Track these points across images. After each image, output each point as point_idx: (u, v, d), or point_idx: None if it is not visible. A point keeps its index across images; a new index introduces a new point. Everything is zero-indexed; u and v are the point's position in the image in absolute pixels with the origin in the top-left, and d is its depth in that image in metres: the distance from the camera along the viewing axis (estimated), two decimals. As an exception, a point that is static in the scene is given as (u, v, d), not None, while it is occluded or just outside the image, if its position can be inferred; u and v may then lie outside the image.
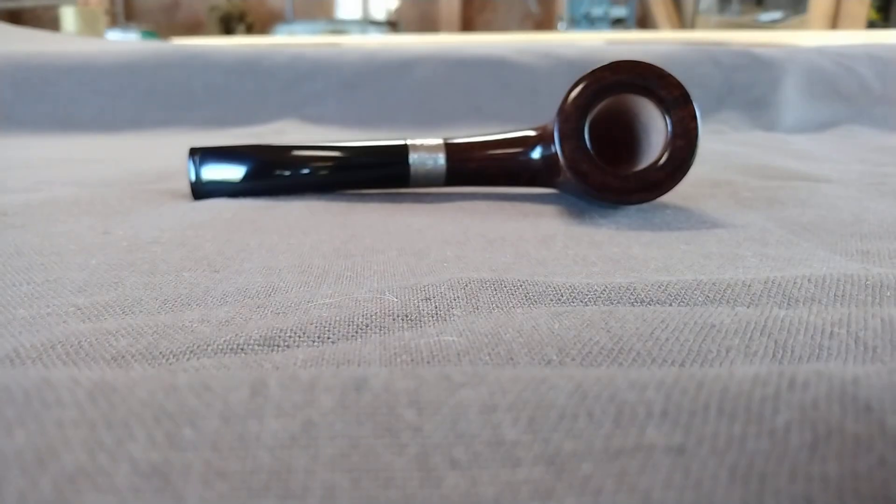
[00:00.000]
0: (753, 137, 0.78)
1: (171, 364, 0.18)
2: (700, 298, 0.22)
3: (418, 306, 0.21)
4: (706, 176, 0.50)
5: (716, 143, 0.73)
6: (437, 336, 0.18)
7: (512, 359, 0.17)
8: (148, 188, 0.45)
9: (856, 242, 0.31)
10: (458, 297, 0.22)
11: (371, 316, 0.20)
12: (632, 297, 0.22)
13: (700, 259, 0.28)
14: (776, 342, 0.18)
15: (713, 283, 0.23)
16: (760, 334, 0.19)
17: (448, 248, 0.30)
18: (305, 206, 0.39)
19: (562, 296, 0.22)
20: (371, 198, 0.42)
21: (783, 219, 0.36)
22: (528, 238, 0.32)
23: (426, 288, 0.23)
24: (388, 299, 0.21)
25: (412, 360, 0.17)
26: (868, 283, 0.23)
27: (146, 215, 0.37)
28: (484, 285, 0.23)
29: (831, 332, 0.19)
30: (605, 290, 0.22)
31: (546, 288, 0.23)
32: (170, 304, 0.23)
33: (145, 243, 0.31)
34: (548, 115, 0.91)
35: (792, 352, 0.18)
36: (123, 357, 0.18)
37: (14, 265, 0.28)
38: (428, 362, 0.17)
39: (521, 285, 0.23)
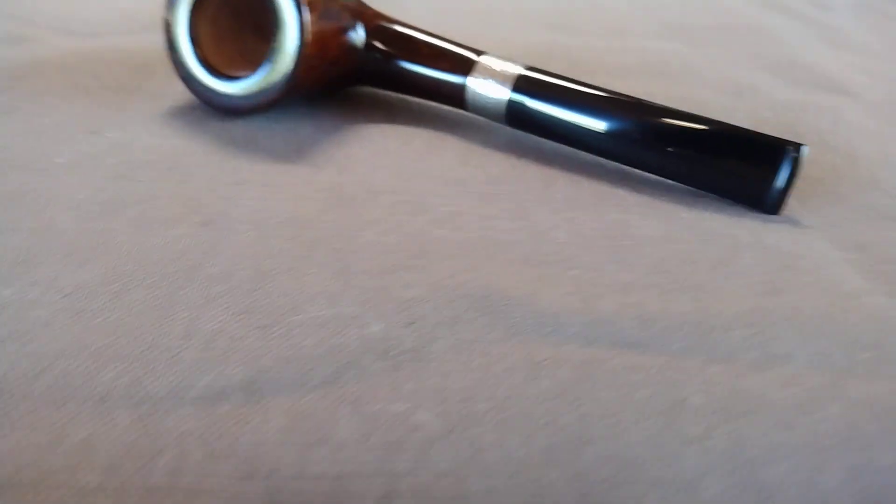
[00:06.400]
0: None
1: (152, 416, 0.19)
2: (678, 345, 0.22)
3: (400, 336, 0.21)
4: (733, 74, 0.46)
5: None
6: (413, 407, 0.19)
7: (481, 450, 0.18)
8: (142, 41, 0.42)
9: (863, 228, 0.30)
10: (441, 323, 0.22)
11: (352, 352, 0.21)
12: (613, 336, 0.22)
13: (694, 253, 0.27)
14: (735, 439, 0.19)
15: (697, 324, 0.23)
16: (725, 422, 0.19)
17: (445, 201, 0.29)
18: (297, 128, 0.37)
19: (544, 326, 0.22)
20: (364, 122, 0.40)
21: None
22: (529, 188, 0.31)
23: (411, 305, 0.23)
24: (371, 329, 0.22)
25: (385, 444, 0.18)
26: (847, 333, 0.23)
27: (139, 109, 0.35)
28: (469, 307, 0.23)
29: (791, 425, 0.20)
30: (588, 325, 0.22)
31: (529, 313, 0.23)
32: (155, 288, 0.23)
33: (137, 166, 0.30)
34: None
35: (747, 449, 0.19)
36: (110, 396, 0.19)
37: (3, 191, 0.27)
38: (401, 445, 0.18)
39: (505, 308, 0.23)
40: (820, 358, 0.22)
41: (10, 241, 0.25)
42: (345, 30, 0.35)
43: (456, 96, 0.36)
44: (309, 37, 0.32)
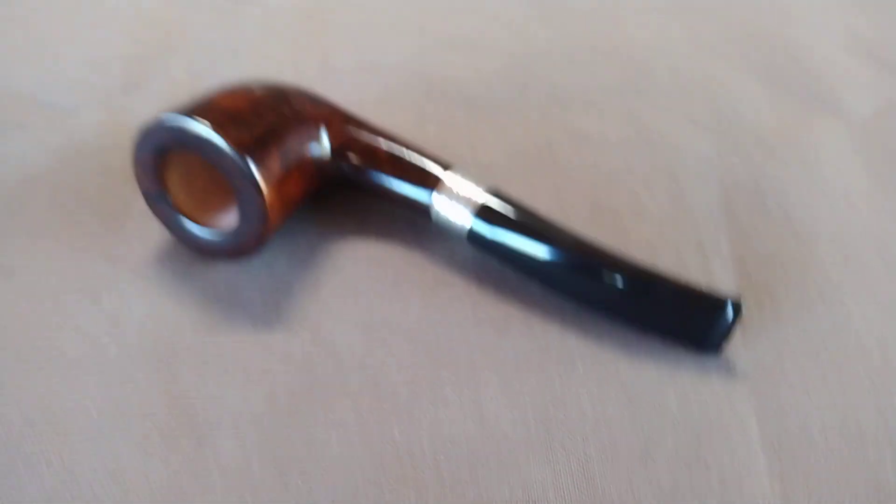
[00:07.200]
0: None
1: None
2: None
3: None
4: (719, 85, 0.43)
5: None
6: None
7: None
8: (121, 113, 0.42)
9: (790, 379, 0.32)
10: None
11: None
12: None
13: (617, 441, 0.30)
14: None
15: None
16: None
17: (405, 374, 0.32)
18: (272, 262, 0.38)
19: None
20: (336, 236, 0.40)
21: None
22: (483, 340, 0.34)
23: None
24: None
25: None
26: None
27: (128, 255, 0.37)
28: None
29: None
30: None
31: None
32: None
33: (135, 358, 0.33)
34: None
35: None
36: None
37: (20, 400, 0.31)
38: None
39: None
40: None
41: (40, 482, 0.30)
42: (308, 159, 0.36)
43: (421, 213, 0.37)
44: (269, 207, 0.33)
